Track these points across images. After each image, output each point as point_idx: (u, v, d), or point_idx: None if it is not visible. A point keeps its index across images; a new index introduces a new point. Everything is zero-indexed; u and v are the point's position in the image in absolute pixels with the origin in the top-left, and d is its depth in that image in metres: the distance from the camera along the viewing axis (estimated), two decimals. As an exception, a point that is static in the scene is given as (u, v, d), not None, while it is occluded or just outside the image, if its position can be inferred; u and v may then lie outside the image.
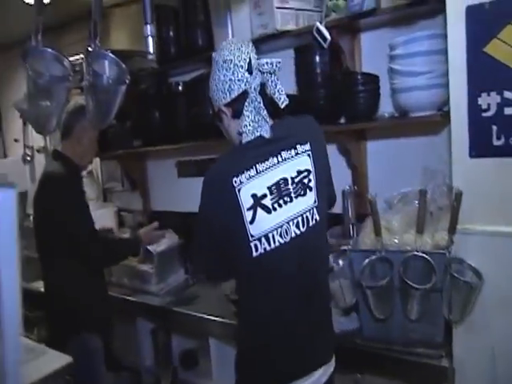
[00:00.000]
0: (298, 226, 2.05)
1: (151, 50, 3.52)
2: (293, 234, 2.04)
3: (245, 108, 2.03)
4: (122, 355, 3.97)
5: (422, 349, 2.33)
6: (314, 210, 2.09)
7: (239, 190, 1.97)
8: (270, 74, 2.05)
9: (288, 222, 2.03)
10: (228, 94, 2.05)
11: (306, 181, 2.08)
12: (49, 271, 3.12)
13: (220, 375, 3.21)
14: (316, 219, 2.09)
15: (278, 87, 2.07)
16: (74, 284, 3.01)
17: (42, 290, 3.22)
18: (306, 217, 2.07)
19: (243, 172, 1.98)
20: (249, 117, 2.02)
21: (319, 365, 2.15)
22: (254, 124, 2.03)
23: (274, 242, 2.01)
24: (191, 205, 4.12)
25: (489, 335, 2.17)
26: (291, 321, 2.10)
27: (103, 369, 3.13)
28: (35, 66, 2.82)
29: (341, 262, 2.54)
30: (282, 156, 2.04)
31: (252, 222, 1.98)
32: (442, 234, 2.30)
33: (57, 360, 2.36)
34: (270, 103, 2.09)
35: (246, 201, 1.98)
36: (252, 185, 1.99)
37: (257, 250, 1.99)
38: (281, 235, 2.02)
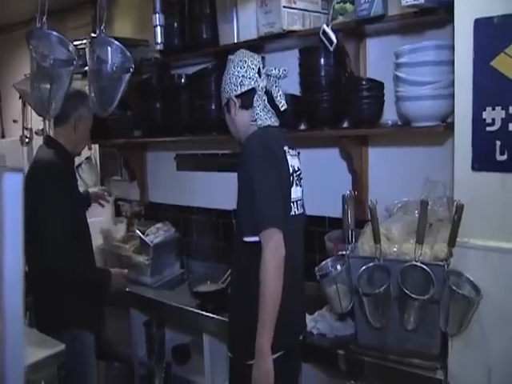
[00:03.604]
0: (302, 206, 2.50)
1: (159, 39, 3.49)
2: (301, 210, 2.49)
3: (254, 102, 2.44)
4: (115, 345, 3.99)
5: (418, 360, 2.33)
6: (302, 202, 2.52)
7: (286, 157, 2.39)
8: (277, 78, 2.48)
9: (301, 199, 2.49)
10: (239, 87, 2.43)
11: (301, 176, 2.51)
12: (35, 266, 2.92)
13: (212, 371, 3.21)
14: (304, 210, 2.54)
15: (280, 92, 2.49)
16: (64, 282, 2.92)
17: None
18: (302, 204, 2.50)
19: (285, 145, 2.44)
20: (259, 107, 2.44)
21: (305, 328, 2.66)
22: (264, 113, 2.45)
23: (298, 209, 2.44)
24: (189, 198, 4.20)
25: (485, 351, 2.17)
26: (298, 285, 2.48)
27: (94, 362, 3.11)
28: (39, 48, 2.80)
29: (339, 267, 2.54)
30: (291, 151, 2.46)
31: (292, 186, 2.39)
32: (441, 246, 2.30)
33: (49, 346, 2.36)
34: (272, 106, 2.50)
35: (290, 166, 2.40)
36: (289, 157, 2.42)
37: (291, 210, 2.38)
38: (301, 207, 2.47)
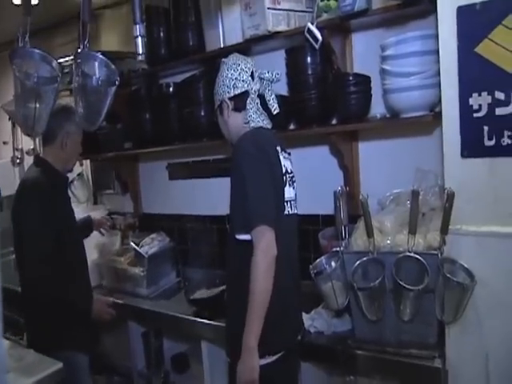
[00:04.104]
0: (295, 207, 2.46)
1: (140, 50, 3.48)
2: (295, 211, 2.45)
3: (247, 105, 2.44)
4: (114, 359, 3.96)
5: (415, 350, 2.32)
6: (295, 203, 2.47)
7: (279, 156, 2.36)
8: (270, 82, 2.49)
9: (295, 200, 2.45)
10: (232, 90, 2.43)
11: (294, 179, 2.48)
12: (27, 287, 2.97)
13: (212, 379, 3.18)
14: (297, 211, 2.48)
15: (272, 96, 2.50)
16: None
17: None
18: (295, 205, 2.46)
19: (278, 145, 2.41)
20: (252, 109, 2.44)
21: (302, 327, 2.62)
22: (257, 116, 2.45)
23: (292, 209, 2.42)
24: (182, 206, 4.18)
25: (482, 337, 2.16)
26: (294, 285, 2.44)
27: (89, 382, 3.07)
28: (23, 66, 2.78)
29: (333, 264, 2.53)
30: (283, 153, 2.43)
31: (285, 185, 2.36)
32: (434, 235, 2.29)
33: (47, 365, 2.34)
34: (264, 109, 2.50)
35: (283, 166, 2.36)
36: (282, 158, 2.39)
37: (285, 209, 2.35)
38: (294, 207, 2.44)
